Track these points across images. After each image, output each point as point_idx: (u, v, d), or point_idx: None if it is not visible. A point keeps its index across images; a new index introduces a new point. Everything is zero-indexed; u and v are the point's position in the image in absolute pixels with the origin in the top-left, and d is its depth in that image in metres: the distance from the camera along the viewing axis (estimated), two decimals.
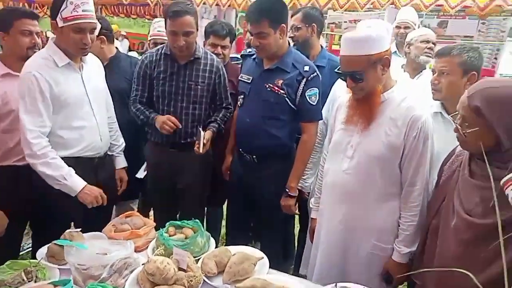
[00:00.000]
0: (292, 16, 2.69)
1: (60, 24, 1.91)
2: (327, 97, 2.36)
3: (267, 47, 2.13)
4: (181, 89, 2.32)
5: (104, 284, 1.47)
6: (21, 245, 2.51)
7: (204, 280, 1.57)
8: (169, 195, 2.53)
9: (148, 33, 3.25)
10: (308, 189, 2.42)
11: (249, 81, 2.27)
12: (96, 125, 2.10)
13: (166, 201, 2.55)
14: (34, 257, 1.75)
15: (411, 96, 1.68)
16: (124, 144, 2.40)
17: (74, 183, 1.95)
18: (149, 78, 2.36)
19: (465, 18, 7.19)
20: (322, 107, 2.31)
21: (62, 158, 1.98)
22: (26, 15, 2.12)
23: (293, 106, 2.19)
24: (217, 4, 7.53)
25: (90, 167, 2.11)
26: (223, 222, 3.14)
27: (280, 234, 2.60)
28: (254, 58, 2.31)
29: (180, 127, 2.31)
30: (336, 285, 1.45)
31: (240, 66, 2.69)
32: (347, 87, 1.68)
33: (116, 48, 2.80)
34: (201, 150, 2.24)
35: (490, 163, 1.17)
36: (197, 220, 1.90)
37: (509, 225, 1.18)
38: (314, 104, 2.18)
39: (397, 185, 1.70)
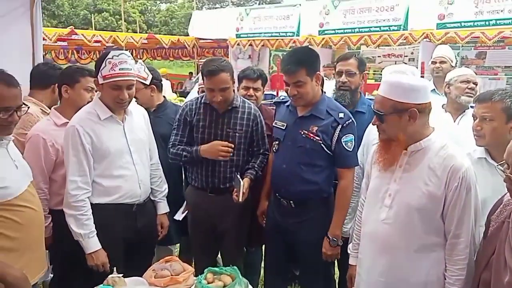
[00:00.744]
0: (339, 61, 2.62)
1: (100, 81, 2.06)
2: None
3: (305, 95, 2.18)
4: (219, 136, 2.40)
5: None
6: None
7: None
8: (208, 238, 2.55)
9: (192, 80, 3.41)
10: (347, 234, 2.37)
11: (284, 128, 2.31)
12: (135, 174, 2.19)
13: (206, 243, 2.57)
14: None
15: (450, 143, 1.65)
16: (167, 190, 2.47)
17: (88, 244, 2.05)
18: (189, 125, 2.46)
19: (505, 48, 7.02)
20: None
21: (102, 204, 2.09)
22: (91, 74, 2.31)
23: (329, 152, 2.20)
24: (250, 45, 7.85)
25: (129, 213, 2.20)
26: (262, 264, 3.10)
27: (321, 278, 2.54)
28: (288, 106, 2.36)
29: (233, 146, 2.37)
30: None
31: (271, 107, 2.75)
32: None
33: (164, 97, 2.96)
34: (240, 199, 2.28)
35: None
36: (235, 267, 1.90)
37: None
38: (350, 150, 2.18)
39: (441, 236, 1.63)
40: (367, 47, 7.18)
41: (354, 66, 2.53)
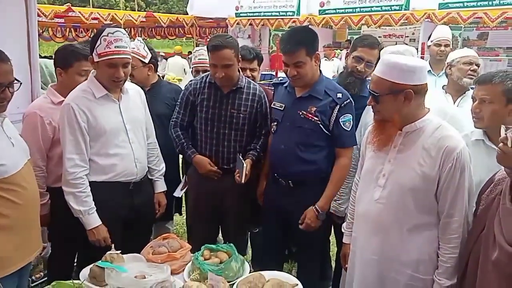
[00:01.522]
0: (362, 46, 2.40)
1: (96, 59, 2.04)
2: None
3: (305, 76, 2.17)
4: (223, 117, 2.41)
5: None
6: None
7: None
8: (209, 217, 2.58)
9: (190, 60, 3.40)
10: (343, 214, 2.40)
11: (282, 109, 2.31)
12: (131, 152, 2.19)
13: (207, 223, 2.59)
14: (79, 277, 1.83)
15: (445, 124, 1.65)
16: (164, 169, 2.48)
17: (89, 220, 2.07)
18: (191, 105, 2.47)
19: (507, 29, 6.93)
20: None
21: (98, 182, 2.10)
22: (86, 57, 2.26)
23: (327, 132, 2.20)
24: (250, 24, 7.74)
25: (126, 191, 2.21)
26: None
27: (318, 255, 2.59)
28: (286, 86, 2.34)
29: (221, 173, 2.43)
30: None
31: (269, 88, 2.74)
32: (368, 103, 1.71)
33: (159, 75, 2.96)
34: (242, 180, 2.30)
35: None
36: (231, 245, 1.92)
37: None
38: (349, 130, 2.18)
39: (434, 215, 1.65)
40: (368, 27, 7.09)
41: (375, 57, 2.41)
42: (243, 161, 2.32)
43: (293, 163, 2.25)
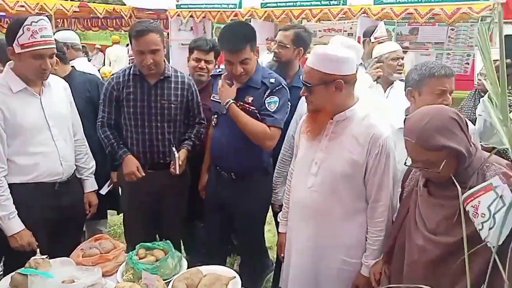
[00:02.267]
0: (281, 30, 2.59)
1: (18, 50, 1.86)
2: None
3: (250, 71, 2.15)
4: (153, 109, 2.29)
5: None
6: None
7: None
8: (146, 216, 2.48)
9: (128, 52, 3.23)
10: (280, 202, 2.42)
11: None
12: (56, 150, 2.05)
13: (144, 222, 2.49)
14: None
15: (372, 113, 1.71)
16: (94, 167, 2.35)
17: (10, 226, 1.93)
18: (116, 101, 2.31)
19: (435, 25, 7.40)
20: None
21: (19, 184, 1.94)
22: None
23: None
24: (191, 16, 7.58)
25: (51, 192, 2.06)
26: None
27: (259, 246, 2.61)
28: None
29: (144, 175, 2.30)
30: None
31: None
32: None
33: (73, 67, 2.76)
34: (177, 171, 2.23)
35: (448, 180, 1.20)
36: (168, 242, 1.87)
37: (472, 240, 1.20)
38: (272, 111, 2.16)
39: (363, 201, 1.72)
40: (308, 21, 7.23)
41: (289, 39, 2.50)
42: (175, 152, 2.26)
43: (235, 155, 2.23)
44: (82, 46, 12.04)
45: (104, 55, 10.94)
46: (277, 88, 2.18)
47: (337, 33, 8.28)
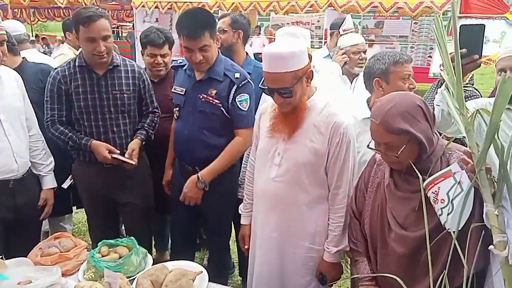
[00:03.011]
0: (219, 19, 2.65)
1: None
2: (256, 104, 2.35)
3: (210, 59, 2.09)
4: (105, 100, 2.18)
5: None
6: None
7: None
8: (109, 212, 2.39)
9: None
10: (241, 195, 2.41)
11: (183, 93, 2.20)
12: (9, 146, 1.93)
13: (107, 219, 2.40)
14: None
15: (331, 102, 1.73)
16: (53, 163, 2.23)
17: None
18: (65, 95, 2.17)
19: (399, 19, 7.59)
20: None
21: None
22: None
23: (228, 115, 2.16)
24: (156, 7, 7.41)
25: (6, 190, 1.95)
26: None
27: (228, 241, 2.58)
28: (186, 69, 2.25)
29: (118, 151, 2.19)
30: None
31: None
32: (275, 102, 1.69)
33: (23, 58, 2.59)
34: (132, 162, 2.15)
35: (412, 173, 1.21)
36: (132, 238, 1.80)
37: (441, 229, 1.23)
38: (245, 110, 2.15)
39: (326, 189, 1.74)
40: (276, 14, 7.23)
41: (226, 23, 2.56)
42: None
43: (198, 148, 2.17)
44: (43, 38, 11.49)
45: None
46: (243, 83, 2.13)
47: (305, 26, 8.33)
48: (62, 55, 3.53)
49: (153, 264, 1.75)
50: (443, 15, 5.96)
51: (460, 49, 1.24)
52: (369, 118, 1.93)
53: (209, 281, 1.66)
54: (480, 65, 1.48)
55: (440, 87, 2.65)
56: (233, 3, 6.87)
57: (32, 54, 2.89)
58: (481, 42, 1.41)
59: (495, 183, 1.13)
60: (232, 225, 2.51)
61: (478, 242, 1.16)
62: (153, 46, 2.55)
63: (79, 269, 1.73)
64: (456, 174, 1.21)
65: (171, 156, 2.44)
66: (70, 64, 2.18)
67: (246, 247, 1.98)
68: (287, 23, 7.91)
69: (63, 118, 2.19)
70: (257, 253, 1.88)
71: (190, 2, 7.09)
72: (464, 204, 1.19)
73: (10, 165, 1.94)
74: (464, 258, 1.10)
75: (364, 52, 2.82)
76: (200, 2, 6.99)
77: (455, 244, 1.14)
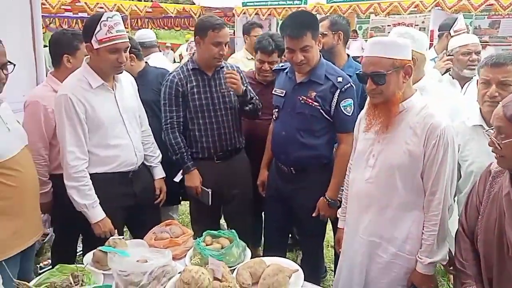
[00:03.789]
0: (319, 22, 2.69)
1: (96, 46, 1.97)
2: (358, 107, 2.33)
3: (311, 60, 2.15)
4: (216, 99, 2.41)
5: None
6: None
7: None
8: (213, 208, 2.55)
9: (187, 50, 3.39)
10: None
11: (283, 95, 2.29)
12: (130, 142, 2.18)
13: (211, 211, 2.58)
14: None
15: (431, 104, 1.66)
16: (160, 155, 2.47)
17: (93, 214, 2.05)
18: (182, 96, 2.40)
19: None
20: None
21: (99, 174, 2.09)
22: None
23: (328, 117, 2.19)
24: (256, 14, 7.68)
25: (126, 180, 2.21)
26: None
27: (321, 242, 2.60)
28: (287, 72, 2.32)
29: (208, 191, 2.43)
30: None
31: None
32: (367, 89, 1.67)
33: (146, 62, 2.95)
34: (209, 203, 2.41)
35: None
36: (233, 231, 1.92)
37: None
38: (349, 114, 2.17)
39: (421, 196, 1.67)
40: (376, 15, 6.99)
41: (325, 27, 2.56)
42: (208, 190, 2.41)
43: (295, 149, 2.24)
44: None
45: (174, 52, 11.41)
46: (346, 87, 2.15)
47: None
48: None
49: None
50: None
51: None
52: (480, 125, 1.80)
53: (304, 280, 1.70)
54: None
55: None
56: (331, 7, 6.81)
57: (156, 58, 3.29)
58: None
59: None
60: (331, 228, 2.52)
61: None
62: (262, 52, 2.69)
63: (185, 254, 1.90)
64: None
65: (267, 157, 2.54)
66: (183, 68, 2.43)
67: (340, 250, 1.98)
68: (388, 25, 7.59)
69: (181, 121, 2.42)
70: (345, 255, 1.89)
71: (289, 7, 7.21)
72: None
73: (132, 158, 2.19)
74: None
75: (477, 53, 2.59)
76: (299, 7, 7.06)
77: None
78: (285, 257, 2.51)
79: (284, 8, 7.26)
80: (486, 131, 1.44)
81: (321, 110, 2.16)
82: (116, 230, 2.00)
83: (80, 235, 2.58)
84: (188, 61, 2.49)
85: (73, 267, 1.73)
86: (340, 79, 2.16)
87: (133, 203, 2.24)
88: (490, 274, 1.42)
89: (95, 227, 2.07)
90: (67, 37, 2.29)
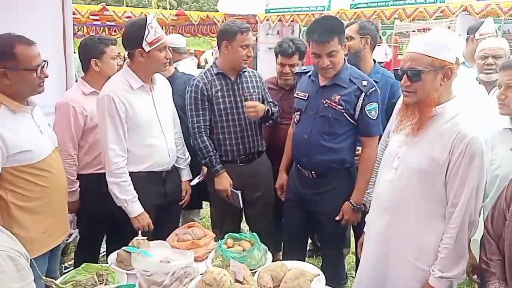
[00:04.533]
0: (346, 26, 2.65)
1: (147, 48, 2.07)
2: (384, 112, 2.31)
3: (337, 65, 2.14)
4: (240, 102, 2.45)
5: None
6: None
7: None
8: (232, 207, 2.56)
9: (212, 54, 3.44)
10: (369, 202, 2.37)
11: (305, 98, 2.29)
12: (165, 143, 2.25)
13: (232, 214, 2.61)
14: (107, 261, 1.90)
15: (464, 112, 1.60)
16: (189, 158, 2.52)
17: (133, 209, 2.13)
18: (207, 100, 2.44)
19: None
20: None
21: (135, 172, 2.16)
22: (112, 42, 2.40)
23: (352, 121, 2.17)
24: (280, 20, 7.72)
25: (159, 179, 2.27)
26: None
27: (342, 247, 2.58)
28: (310, 75, 2.32)
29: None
30: None
31: None
32: (401, 85, 1.63)
33: (175, 68, 3.00)
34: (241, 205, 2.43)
35: None
36: (254, 234, 1.93)
37: None
38: (374, 118, 2.15)
39: (444, 206, 1.61)
40: (401, 21, 6.90)
41: (353, 30, 2.57)
42: (238, 193, 2.41)
43: (317, 152, 2.22)
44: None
45: (198, 59, 11.59)
46: (371, 91, 2.14)
47: None
48: None
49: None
50: None
51: None
52: (509, 128, 1.76)
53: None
54: None
55: None
56: (355, 13, 6.77)
57: (184, 64, 3.39)
58: None
59: None
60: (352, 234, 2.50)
61: None
62: (283, 55, 2.70)
63: (207, 256, 1.92)
64: None
65: (286, 160, 2.54)
66: (207, 73, 2.48)
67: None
68: (413, 31, 7.47)
69: (207, 125, 2.45)
70: (363, 257, 1.87)
71: (312, 14, 7.21)
72: None
73: (165, 158, 2.26)
74: None
75: (495, 57, 2.51)
76: (321, 13, 7.06)
77: None
78: (304, 261, 2.50)
79: (307, 14, 7.27)
80: None
81: (344, 113, 2.15)
82: (140, 231, 2.03)
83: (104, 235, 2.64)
84: (211, 66, 2.54)
85: (98, 266, 1.78)
86: (365, 82, 2.15)
87: (162, 203, 2.30)
88: None
89: (134, 221, 2.14)
90: (94, 43, 2.41)
